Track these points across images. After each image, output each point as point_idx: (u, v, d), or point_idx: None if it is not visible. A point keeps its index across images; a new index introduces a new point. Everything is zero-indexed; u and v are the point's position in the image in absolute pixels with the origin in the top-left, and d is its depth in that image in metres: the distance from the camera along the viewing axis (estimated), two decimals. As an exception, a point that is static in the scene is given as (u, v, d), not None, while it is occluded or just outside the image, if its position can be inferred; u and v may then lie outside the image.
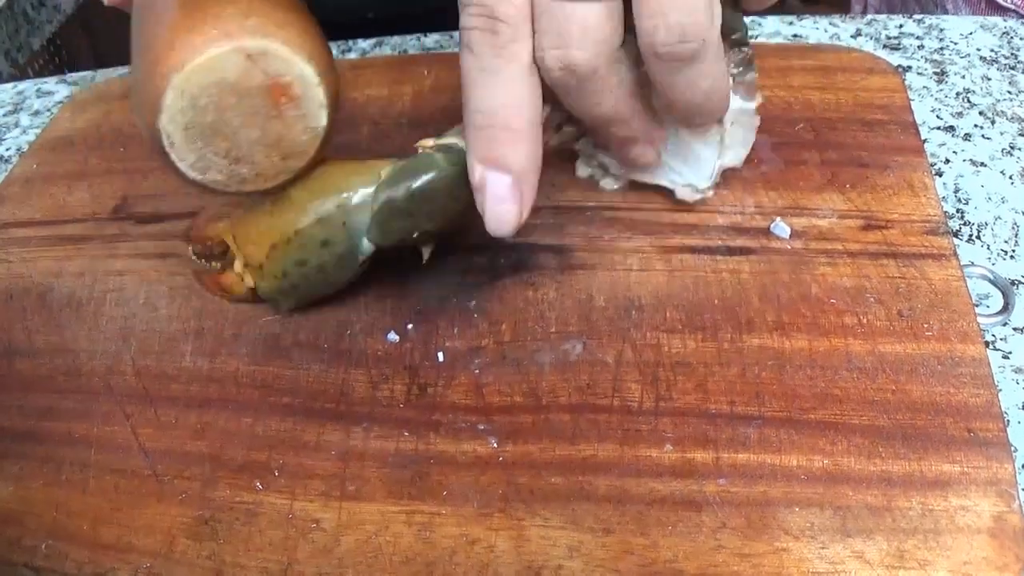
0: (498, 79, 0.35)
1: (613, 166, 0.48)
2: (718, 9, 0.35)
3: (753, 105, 0.45)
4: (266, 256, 0.42)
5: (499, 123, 0.35)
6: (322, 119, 0.38)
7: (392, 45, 0.70)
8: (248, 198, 0.41)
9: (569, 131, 0.45)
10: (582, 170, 0.49)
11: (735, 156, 0.46)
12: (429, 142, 0.40)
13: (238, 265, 0.43)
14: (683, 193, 0.46)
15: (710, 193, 0.47)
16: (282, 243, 0.41)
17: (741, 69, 0.43)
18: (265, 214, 0.42)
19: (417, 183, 0.39)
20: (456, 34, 0.41)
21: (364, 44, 0.70)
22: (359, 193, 0.40)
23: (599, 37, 0.35)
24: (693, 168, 0.46)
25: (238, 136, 0.37)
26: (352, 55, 0.69)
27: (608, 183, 0.49)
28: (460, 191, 0.38)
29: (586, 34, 0.34)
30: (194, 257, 0.45)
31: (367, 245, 0.41)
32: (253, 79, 0.36)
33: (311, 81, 0.37)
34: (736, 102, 0.43)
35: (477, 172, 0.36)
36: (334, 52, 0.64)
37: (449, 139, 0.39)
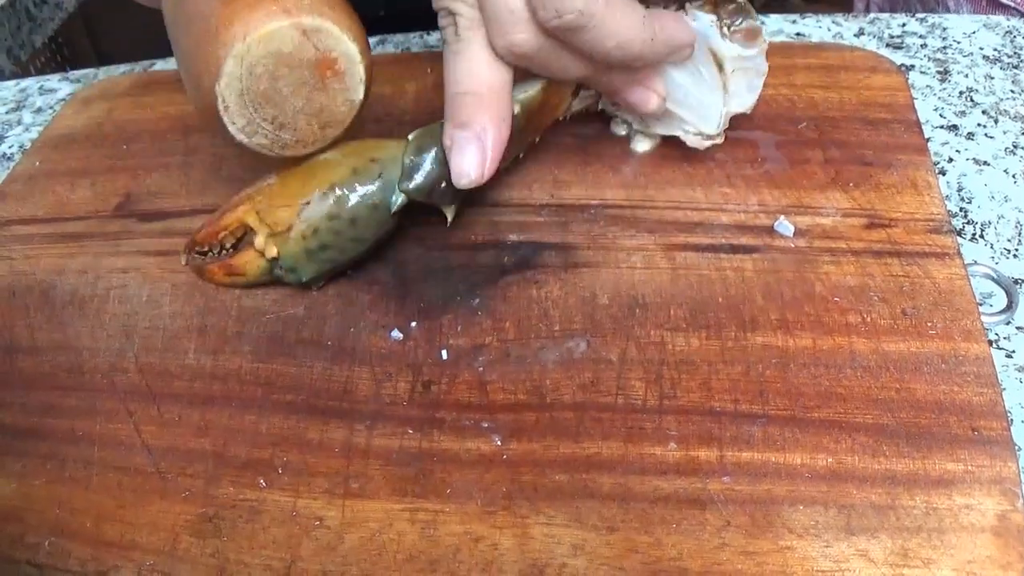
0: (461, 57, 0.41)
1: (636, 122, 0.50)
2: None
3: (755, 51, 0.45)
4: (297, 215, 0.43)
5: (463, 90, 0.41)
6: (360, 93, 0.42)
7: (395, 43, 0.70)
8: (281, 163, 0.44)
9: (587, 94, 0.48)
10: (617, 128, 0.52)
11: (741, 103, 0.47)
12: None
13: (259, 240, 0.44)
14: (693, 141, 0.48)
15: (720, 139, 0.48)
16: (317, 197, 0.43)
17: (736, 19, 0.45)
18: (297, 177, 0.44)
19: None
20: None
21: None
22: (391, 149, 0.44)
23: (529, 16, 0.39)
24: (700, 116, 0.47)
25: (285, 104, 0.41)
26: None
27: (638, 144, 0.51)
28: None
29: (516, 16, 0.39)
30: (191, 256, 0.47)
31: (399, 196, 0.43)
32: (305, 52, 0.40)
33: (354, 58, 0.41)
34: (734, 49, 0.45)
35: (447, 134, 0.42)
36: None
37: None
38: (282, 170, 0.45)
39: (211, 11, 0.39)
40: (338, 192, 0.43)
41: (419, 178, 0.43)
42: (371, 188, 0.43)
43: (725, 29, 0.45)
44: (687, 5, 0.45)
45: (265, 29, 0.38)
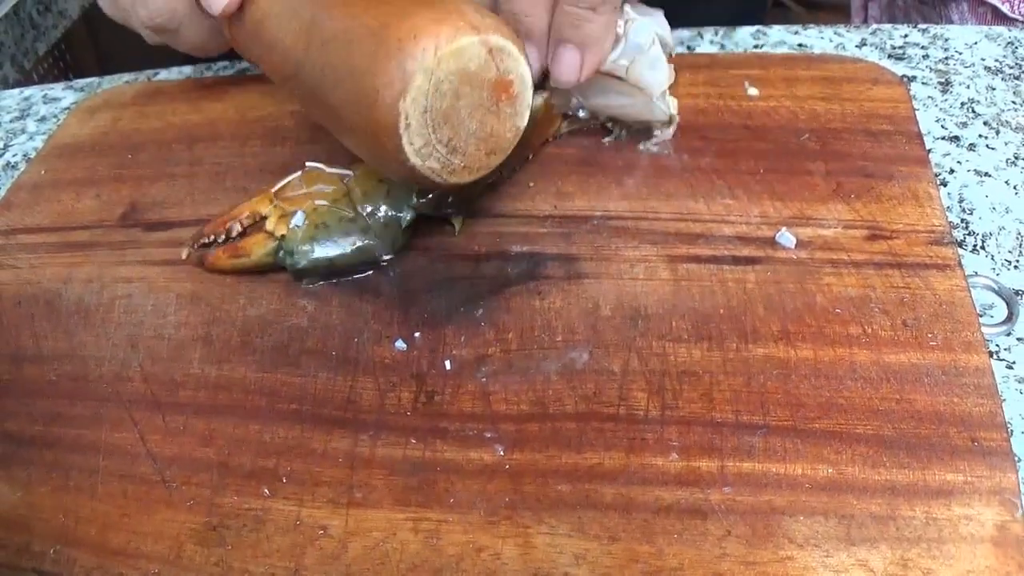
0: None
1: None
2: None
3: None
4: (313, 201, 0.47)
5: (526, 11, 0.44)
6: (525, 119, 0.42)
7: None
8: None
9: (576, 117, 0.52)
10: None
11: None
12: None
13: (271, 221, 0.46)
14: (657, 113, 0.50)
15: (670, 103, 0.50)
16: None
17: None
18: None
19: None
20: None
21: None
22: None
23: None
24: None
25: (461, 127, 0.40)
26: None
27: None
28: None
29: None
30: (194, 249, 0.48)
31: (409, 212, 0.46)
32: (488, 72, 0.39)
33: (527, 82, 0.41)
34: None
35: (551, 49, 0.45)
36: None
37: None
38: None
39: (382, 25, 0.38)
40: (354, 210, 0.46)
41: (430, 193, 0.45)
42: (382, 206, 0.45)
43: None
44: None
45: (456, 44, 0.37)
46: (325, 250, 0.46)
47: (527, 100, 0.41)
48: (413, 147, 0.39)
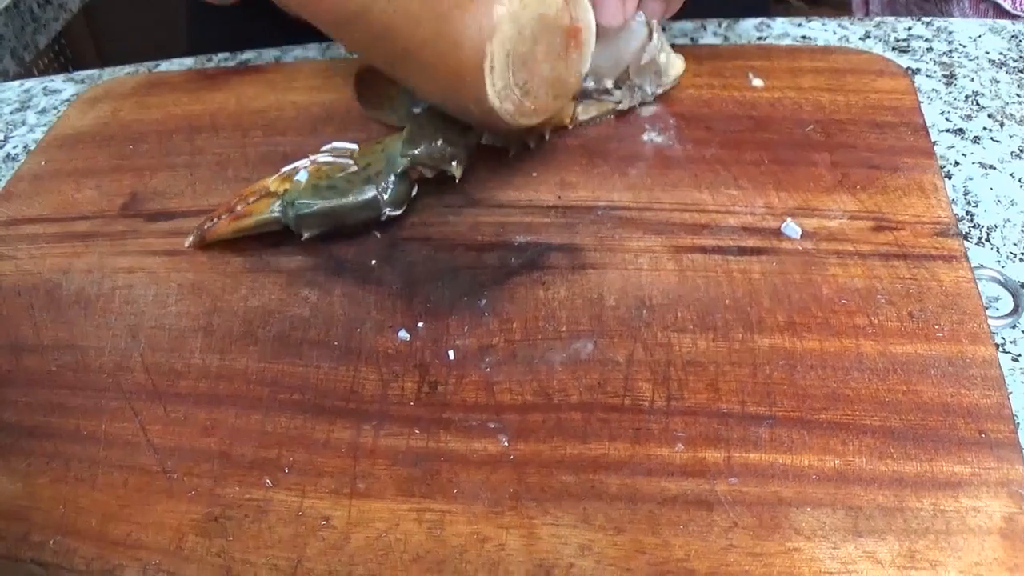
0: None
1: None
2: None
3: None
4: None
5: None
6: (586, 65, 0.45)
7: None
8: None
9: (592, 102, 0.53)
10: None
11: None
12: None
13: (274, 183, 0.48)
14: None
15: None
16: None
17: None
18: None
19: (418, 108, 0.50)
20: None
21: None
22: (394, 137, 0.48)
23: None
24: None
25: (536, 70, 0.43)
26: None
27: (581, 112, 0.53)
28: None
29: None
30: (199, 230, 0.49)
31: (404, 160, 0.47)
32: (562, 19, 0.42)
33: (592, 30, 0.44)
34: None
35: None
36: (341, 52, 0.65)
37: None
38: None
39: None
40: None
41: (421, 144, 0.46)
42: (381, 159, 0.47)
43: None
44: None
45: None
46: (326, 199, 0.46)
47: (592, 47, 0.44)
48: (495, 89, 0.41)
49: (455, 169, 0.47)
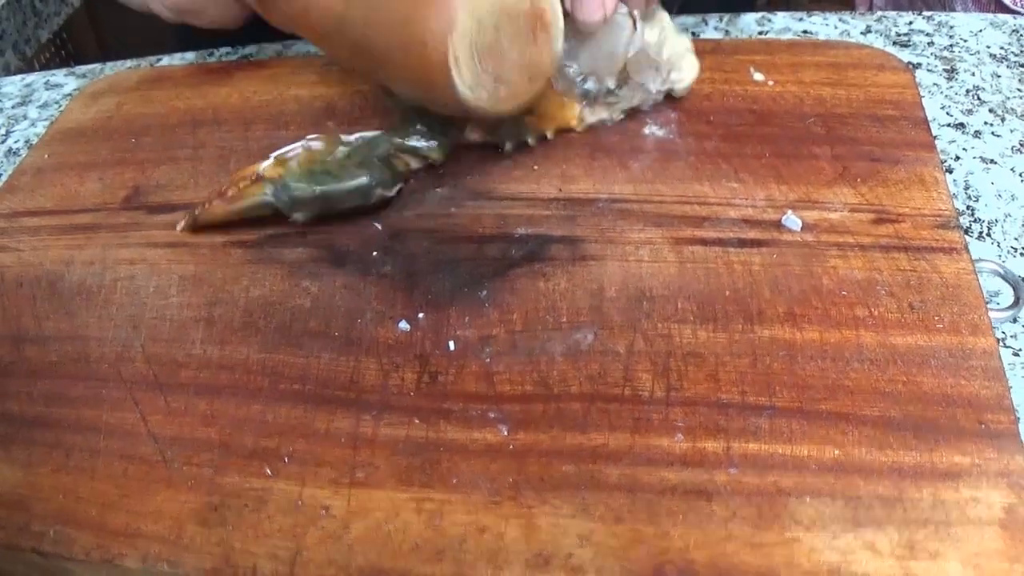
0: None
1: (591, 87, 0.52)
2: None
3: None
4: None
5: None
6: (560, 44, 0.46)
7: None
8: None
9: (601, 105, 0.52)
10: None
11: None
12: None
13: (267, 168, 0.48)
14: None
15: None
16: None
17: None
18: None
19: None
20: None
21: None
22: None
23: None
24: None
25: (504, 57, 0.44)
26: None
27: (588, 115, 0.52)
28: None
29: None
30: (191, 215, 0.49)
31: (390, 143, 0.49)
32: (522, 4, 0.43)
33: (557, 12, 0.45)
34: None
35: None
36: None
37: None
38: None
39: None
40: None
41: (402, 133, 0.48)
42: (369, 148, 0.48)
43: None
44: None
45: None
46: (319, 182, 0.47)
47: (560, 26, 0.45)
48: (464, 82, 0.42)
49: (433, 152, 0.49)
